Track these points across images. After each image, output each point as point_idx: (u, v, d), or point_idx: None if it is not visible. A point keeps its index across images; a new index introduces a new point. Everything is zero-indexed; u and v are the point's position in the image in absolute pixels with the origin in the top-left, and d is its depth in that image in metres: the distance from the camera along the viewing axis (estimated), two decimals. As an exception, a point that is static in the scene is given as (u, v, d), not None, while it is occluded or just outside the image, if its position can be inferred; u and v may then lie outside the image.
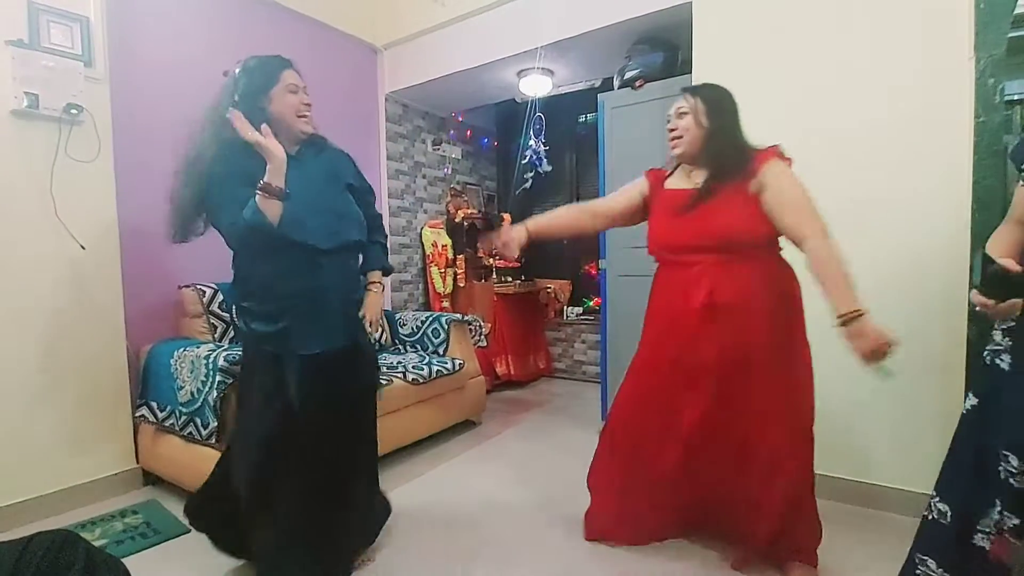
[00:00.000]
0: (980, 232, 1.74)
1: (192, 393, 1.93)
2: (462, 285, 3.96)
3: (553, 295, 4.26)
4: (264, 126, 1.33)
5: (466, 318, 3.09)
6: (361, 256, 1.64)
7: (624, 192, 1.76)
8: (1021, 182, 1.20)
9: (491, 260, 4.21)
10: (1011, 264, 1.08)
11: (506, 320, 3.92)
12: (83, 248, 2.03)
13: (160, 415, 2.09)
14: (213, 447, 1.88)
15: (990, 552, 1.15)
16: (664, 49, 2.68)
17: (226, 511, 1.50)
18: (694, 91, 1.58)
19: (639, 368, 1.70)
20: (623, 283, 2.72)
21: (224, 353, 1.85)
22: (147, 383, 2.19)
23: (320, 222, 1.42)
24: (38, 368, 1.95)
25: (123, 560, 0.99)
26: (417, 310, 3.83)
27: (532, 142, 4.12)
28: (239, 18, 2.74)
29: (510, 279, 4.19)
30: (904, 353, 1.86)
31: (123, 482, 2.17)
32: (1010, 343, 1.17)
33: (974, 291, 1.14)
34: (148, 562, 1.68)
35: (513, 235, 1.67)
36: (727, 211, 1.47)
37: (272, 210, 1.32)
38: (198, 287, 2.32)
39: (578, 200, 4.40)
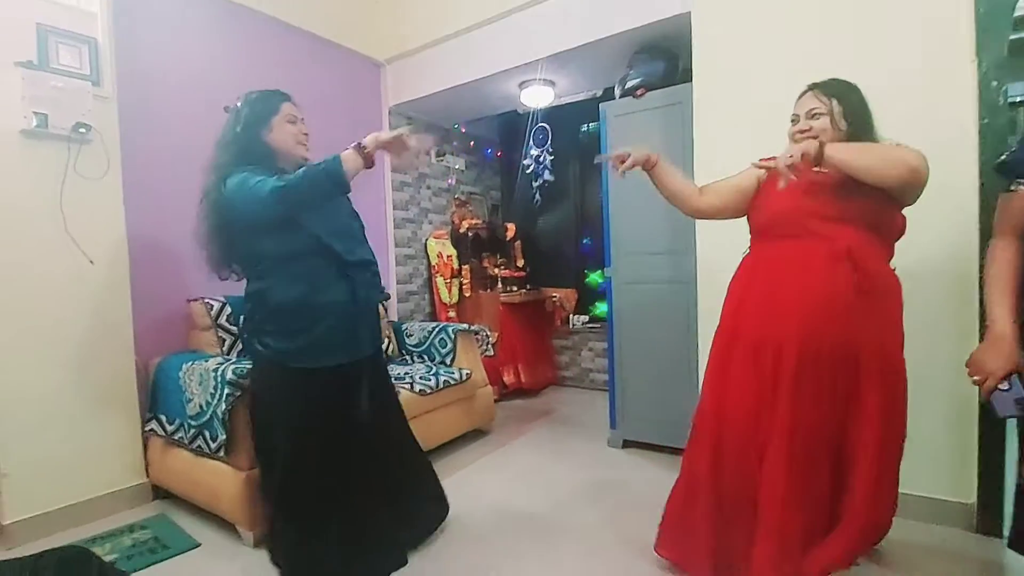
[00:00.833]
0: (987, 234, 1.73)
1: (201, 406, 1.93)
2: (468, 295, 3.97)
3: (559, 303, 4.26)
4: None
5: (473, 328, 3.09)
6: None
7: (739, 175, 1.64)
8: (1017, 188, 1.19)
9: (496, 270, 4.22)
10: None
11: (513, 329, 3.92)
12: (92, 263, 2.05)
13: (169, 428, 2.10)
14: (222, 460, 1.88)
15: None
16: (665, 58, 2.70)
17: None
18: (827, 90, 1.48)
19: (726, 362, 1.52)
20: (629, 291, 2.72)
21: (232, 366, 1.86)
22: (156, 396, 2.20)
23: (344, 239, 1.58)
24: (48, 382, 1.97)
25: (134, 574, 1.00)
26: (423, 320, 3.83)
27: (534, 152, 4.14)
28: (244, 36, 2.78)
29: (515, 288, 4.19)
30: (916, 356, 1.86)
31: (132, 497, 2.18)
32: None
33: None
34: (158, 577, 1.68)
35: (643, 151, 1.60)
36: (859, 191, 1.35)
37: (353, 166, 1.43)
38: (206, 300, 2.33)
39: (582, 209, 4.44)
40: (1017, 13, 1.68)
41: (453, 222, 4.10)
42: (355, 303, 1.57)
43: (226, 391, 1.82)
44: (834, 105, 1.46)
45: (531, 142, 4.15)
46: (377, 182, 3.60)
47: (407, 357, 3.16)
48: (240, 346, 2.33)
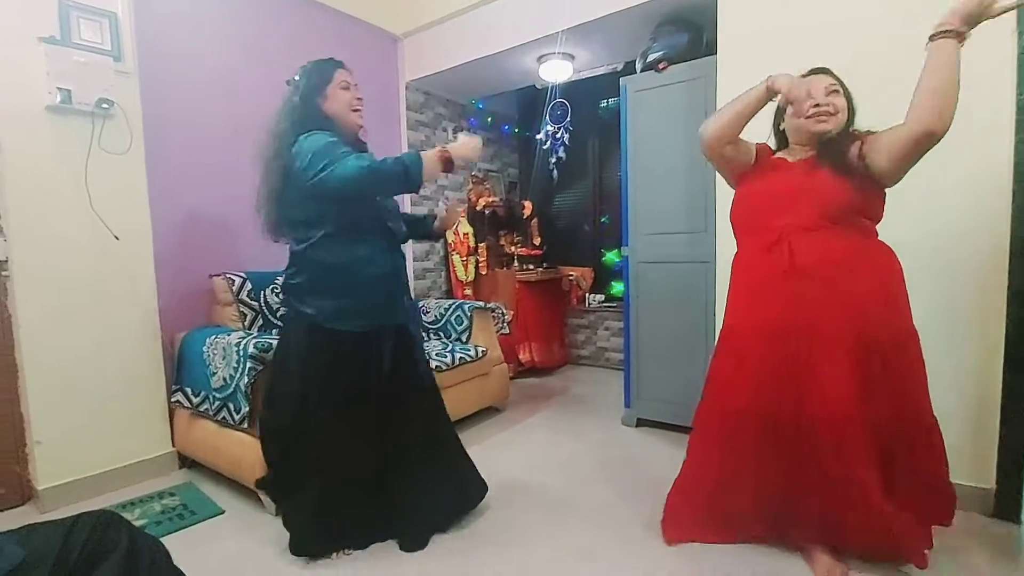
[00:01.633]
0: (1021, 214, 1.68)
1: (224, 379, 1.98)
2: (484, 273, 3.97)
3: (575, 282, 4.24)
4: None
5: (488, 305, 3.11)
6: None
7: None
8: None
9: (513, 248, 4.21)
10: None
11: (529, 307, 3.92)
12: (117, 239, 2.09)
13: (195, 400, 2.16)
14: (245, 431, 1.94)
15: None
16: (689, 30, 2.62)
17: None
18: (831, 72, 1.58)
19: (730, 346, 1.59)
20: (646, 270, 2.70)
21: (254, 340, 1.90)
22: (181, 369, 2.26)
23: (394, 218, 1.72)
24: (79, 355, 2.03)
25: (163, 538, 1.04)
26: (440, 298, 3.86)
27: (549, 128, 4.08)
28: (260, 9, 2.76)
29: (532, 266, 4.18)
30: (936, 338, 1.83)
31: (160, 465, 2.26)
32: None
33: None
34: (186, 542, 1.74)
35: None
36: (833, 182, 1.44)
37: (433, 172, 1.53)
38: (228, 276, 2.37)
39: (600, 187, 4.38)
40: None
41: (470, 199, 4.08)
42: (396, 275, 1.70)
43: (248, 365, 1.86)
44: (843, 87, 1.54)
45: (547, 118, 4.09)
46: (394, 159, 3.58)
47: (423, 334, 3.19)
48: (261, 321, 2.37)
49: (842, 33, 1.95)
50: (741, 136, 1.59)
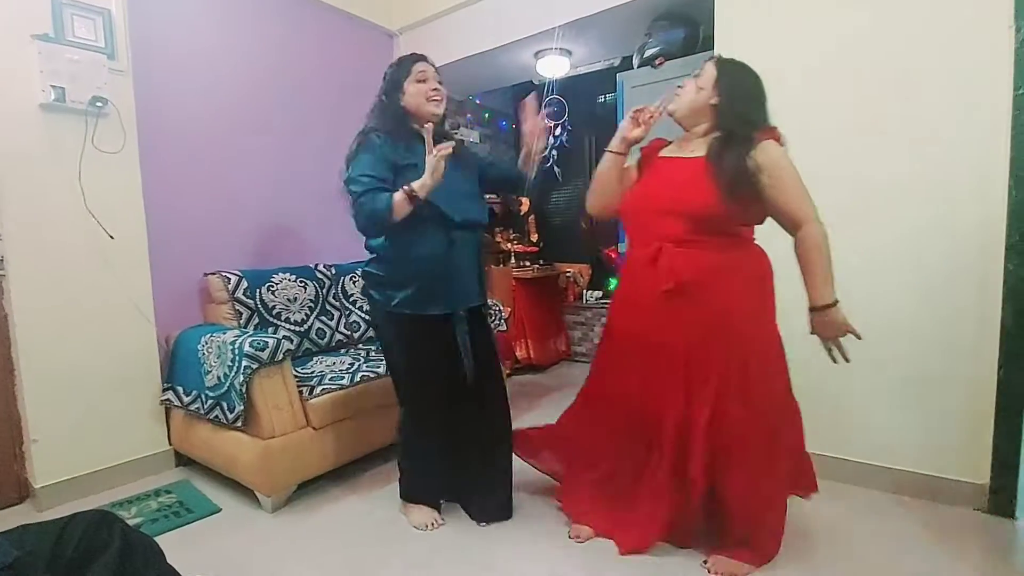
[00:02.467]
0: (1017, 209, 1.68)
1: (219, 378, 1.98)
2: (481, 270, 3.97)
3: (572, 279, 4.24)
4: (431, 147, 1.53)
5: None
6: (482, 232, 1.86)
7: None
8: None
9: (509, 245, 4.21)
10: None
11: (525, 304, 3.92)
12: (112, 237, 2.08)
13: (185, 399, 2.15)
14: (240, 430, 1.94)
15: None
16: (685, 25, 2.61)
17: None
18: (718, 61, 1.54)
19: (609, 347, 1.67)
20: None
21: (250, 339, 1.90)
22: (174, 368, 2.25)
23: (453, 201, 1.65)
24: (74, 354, 2.03)
25: (158, 537, 1.04)
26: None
27: (548, 124, 4.06)
28: (255, 7, 2.75)
29: (529, 263, 4.18)
30: (932, 334, 1.83)
31: (156, 463, 2.26)
32: None
33: None
34: (182, 540, 1.75)
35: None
36: (702, 190, 1.42)
37: (402, 212, 1.53)
38: (223, 274, 2.36)
39: (597, 183, 4.37)
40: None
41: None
42: (451, 260, 1.68)
43: (243, 363, 1.86)
44: (714, 73, 1.49)
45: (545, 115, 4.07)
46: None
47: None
48: (256, 319, 2.37)
49: (841, 29, 1.94)
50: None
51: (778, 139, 1.46)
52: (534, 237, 4.42)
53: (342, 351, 2.56)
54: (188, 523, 1.85)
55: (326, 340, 2.57)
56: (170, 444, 2.30)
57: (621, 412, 1.58)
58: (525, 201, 4.38)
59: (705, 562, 1.52)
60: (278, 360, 1.93)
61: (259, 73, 2.69)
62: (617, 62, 3.50)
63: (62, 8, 1.96)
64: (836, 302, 1.38)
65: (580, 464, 1.75)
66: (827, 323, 1.39)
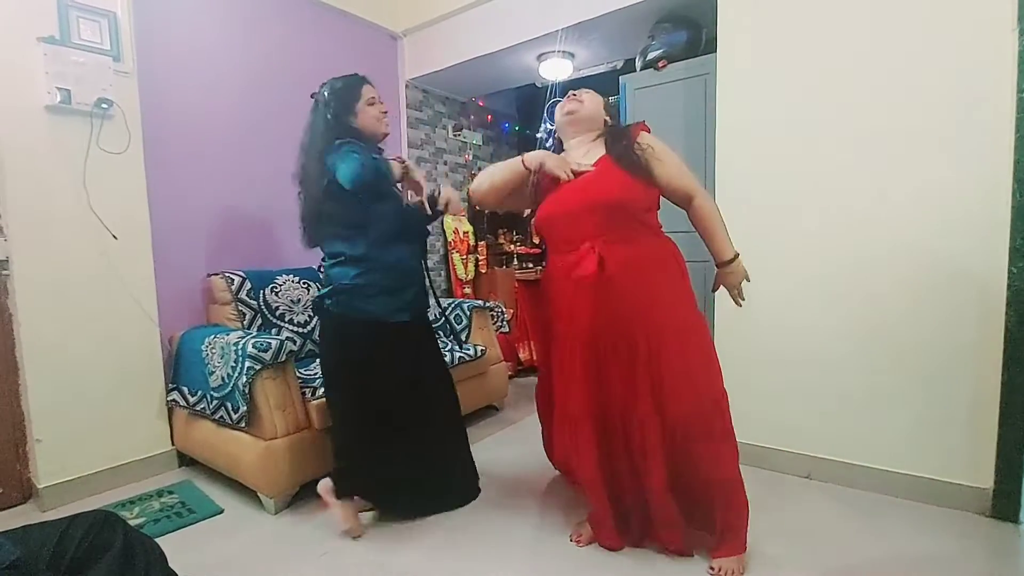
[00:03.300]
0: (1021, 212, 1.67)
1: (223, 378, 1.98)
2: (484, 271, 3.97)
3: (575, 281, 4.24)
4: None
5: (488, 304, 3.11)
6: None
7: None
8: None
9: (512, 247, 4.21)
10: None
11: (528, 306, 3.92)
12: (116, 238, 2.09)
13: (191, 399, 2.17)
14: (243, 431, 1.94)
15: None
16: (688, 27, 2.61)
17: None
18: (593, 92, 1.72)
19: (555, 349, 1.68)
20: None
21: (253, 340, 1.90)
22: (178, 368, 2.26)
23: (414, 215, 1.84)
24: (78, 355, 2.04)
25: (161, 537, 1.05)
26: (439, 296, 3.85)
27: (549, 126, 4.06)
28: (259, 9, 2.76)
29: (531, 265, 4.18)
30: (936, 340, 1.83)
31: (159, 463, 2.27)
32: None
33: None
34: (184, 541, 1.75)
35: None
36: (609, 181, 1.52)
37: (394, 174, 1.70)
38: (226, 275, 2.37)
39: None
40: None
41: (470, 198, 4.08)
42: (420, 271, 1.90)
43: (247, 364, 1.86)
44: (601, 99, 1.72)
45: (547, 116, 4.08)
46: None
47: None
48: (260, 320, 2.38)
49: (845, 31, 1.94)
50: None
51: (648, 130, 1.61)
52: (537, 239, 4.42)
53: (344, 352, 2.56)
54: (190, 524, 1.85)
55: (329, 341, 2.57)
56: (173, 445, 2.31)
57: (596, 420, 1.57)
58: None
59: (712, 568, 1.52)
60: (281, 361, 1.93)
61: (263, 75, 2.70)
62: (620, 65, 3.50)
63: (68, 10, 1.97)
64: (737, 254, 1.53)
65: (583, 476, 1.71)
66: (734, 273, 1.55)
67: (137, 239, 2.19)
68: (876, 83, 1.89)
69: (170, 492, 2.09)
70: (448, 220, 3.90)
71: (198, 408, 2.13)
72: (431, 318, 2.05)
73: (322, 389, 2.07)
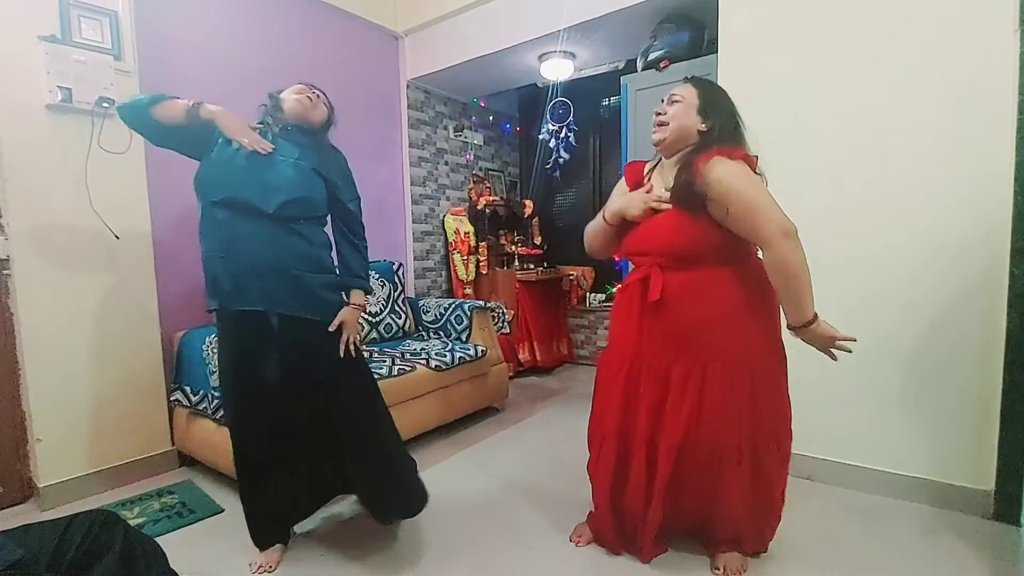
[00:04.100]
0: (1023, 213, 1.67)
1: (223, 378, 1.98)
2: (485, 272, 3.97)
3: (576, 282, 4.24)
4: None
5: (489, 305, 3.11)
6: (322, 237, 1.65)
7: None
8: None
9: (513, 247, 4.21)
10: None
11: (529, 307, 3.92)
12: (117, 238, 2.09)
13: (193, 399, 2.16)
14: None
15: None
16: (690, 28, 2.61)
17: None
18: (696, 83, 1.49)
19: (604, 356, 1.65)
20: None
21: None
22: (180, 368, 2.26)
23: (245, 189, 1.50)
24: (78, 354, 2.04)
25: (161, 536, 1.05)
26: (440, 297, 3.86)
27: (551, 127, 4.08)
28: (261, 8, 2.76)
29: (532, 266, 4.18)
30: (937, 341, 1.82)
31: (159, 463, 2.26)
32: None
33: None
34: (184, 540, 1.75)
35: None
36: (663, 224, 1.42)
37: (170, 111, 1.55)
38: (227, 275, 2.37)
39: (601, 186, 4.38)
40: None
41: (471, 198, 4.08)
42: (240, 252, 1.54)
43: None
44: (696, 96, 1.44)
45: (548, 116, 4.09)
46: (395, 158, 3.59)
47: (423, 333, 3.19)
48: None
49: (847, 31, 1.94)
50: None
51: (729, 155, 1.35)
52: (538, 240, 4.42)
53: (345, 352, 2.56)
54: (190, 524, 1.85)
55: (329, 341, 2.57)
56: (173, 445, 2.31)
57: (612, 427, 1.55)
58: (529, 204, 4.39)
59: (717, 569, 1.52)
60: (281, 361, 1.92)
61: (265, 75, 2.70)
62: (622, 65, 3.50)
63: (69, 9, 1.97)
64: (814, 319, 1.33)
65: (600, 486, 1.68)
66: (812, 339, 1.37)
67: (138, 239, 2.19)
68: (878, 84, 1.89)
69: (170, 492, 2.08)
70: (449, 220, 3.90)
71: (200, 407, 2.13)
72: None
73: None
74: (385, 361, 2.45)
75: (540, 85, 3.89)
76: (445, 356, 2.64)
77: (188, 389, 2.20)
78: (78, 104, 1.96)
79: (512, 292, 3.86)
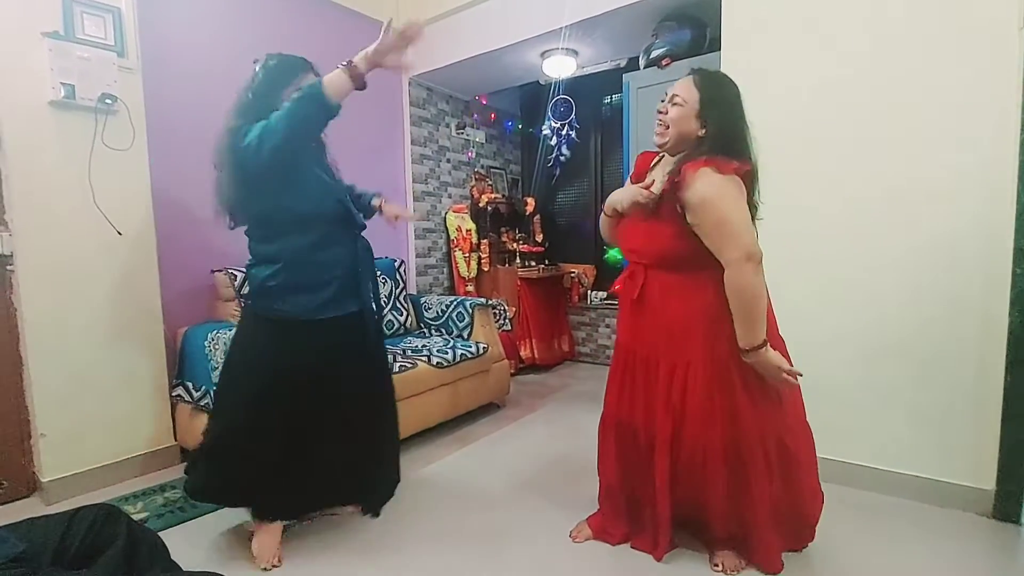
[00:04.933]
0: (1025, 214, 1.67)
1: (225, 375, 1.99)
2: (486, 269, 3.98)
3: (577, 279, 4.24)
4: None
5: (490, 302, 3.11)
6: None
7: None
8: None
9: (514, 245, 4.21)
10: None
11: (530, 304, 3.92)
12: (120, 234, 2.10)
13: (195, 395, 2.17)
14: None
15: None
16: (692, 26, 2.61)
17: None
18: (701, 81, 1.41)
19: (612, 360, 1.71)
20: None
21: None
22: (183, 364, 2.27)
23: (340, 203, 1.60)
24: (82, 350, 2.04)
25: (164, 532, 1.06)
26: (442, 294, 3.86)
27: (553, 124, 4.07)
28: (263, 5, 2.77)
29: (534, 263, 4.18)
30: (938, 340, 1.82)
31: (162, 458, 2.27)
32: None
33: None
34: (187, 535, 1.76)
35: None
36: (658, 225, 1.43)
37: (338, 87, 1.36)
38: (230, 271, 2.38)
39: (602, 184, 4.38)
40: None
41: (472, 196, 4.08)
42: (355, 262, 1.64)
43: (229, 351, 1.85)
44: (698, 98, 1.39)
45: (550, 114, 4.08)
46: (397, 155, 3.60)
47: (425, 330, 3.19)
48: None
49: (849, 30, 1.93)
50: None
51: (716, 165, 1.32)
52: (539, 237, 4.42)
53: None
54: (193, 518, 1.86)
55: (331, 338, 2.58)
56: (176, 440, 2.32)
57: (620, 424, 1.60)
58: (531, 201, 4.39)
59: (716, 566, 1.52)
60: (283, 357, 1.93)
61: (267, 72, 2.70)
62: (623, 63, 3.49)
63: (72, 6, 1.98)
64: (763, 344, 1.33)
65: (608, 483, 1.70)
66: (758, 364, 1.35)
67: (141, 235, 2.19)
68: (880, 84, 1.89)
69: (173, 487, 2.09)
70: (451, 218, 3.90)
71: (202, 403, 2.14)
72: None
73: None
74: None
75: (542, 83, 3.88)
76: (447, 353, 2.64)
77: (191, 385, 2.21)
78: (81, 101, 1.96)
79: (514, 289, 3.87)
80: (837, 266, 1.97)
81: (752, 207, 1.41)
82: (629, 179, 1.68)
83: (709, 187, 1.31)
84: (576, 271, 4.25)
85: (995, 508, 1.76)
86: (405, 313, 3.16)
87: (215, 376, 2.05)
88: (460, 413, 2.78)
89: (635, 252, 1.53)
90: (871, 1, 1.88)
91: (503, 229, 4.30)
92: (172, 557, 1.07)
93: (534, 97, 4.49)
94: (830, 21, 1.96)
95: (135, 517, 1.81)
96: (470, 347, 2.80)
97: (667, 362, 1.47)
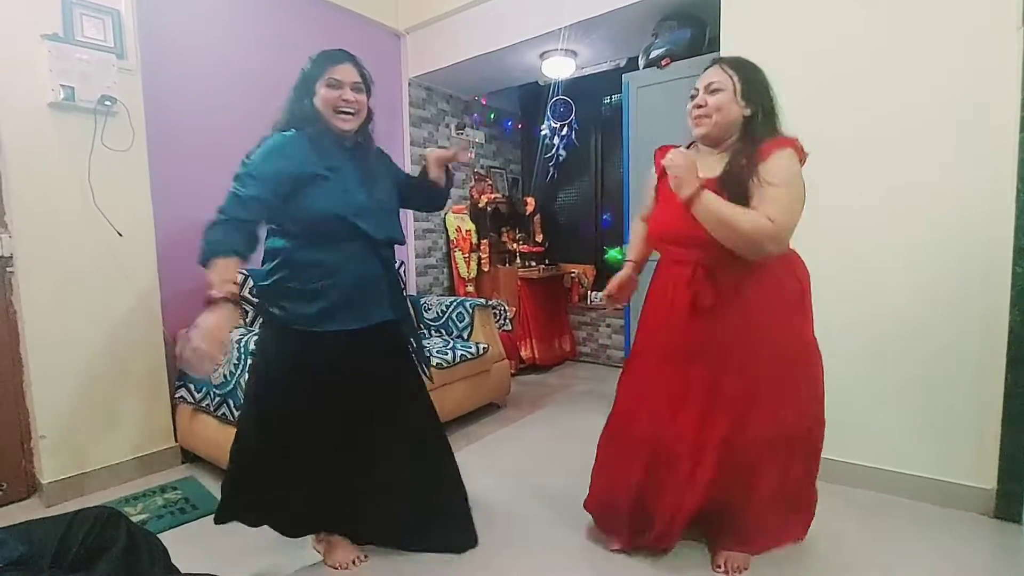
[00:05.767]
0: (1025, 213, 1.67)
1: (225, 376, 1.99)
2: (486, 270, 3.98)
3: (577, 280, 4.24)
4: None
5: (490, 302, 3.11)
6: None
7: (648, 195, 1.67)
8: None
9: (515, 245, 4.21)
10: None
11: (530, 304, 3.92)
12: (120, 235, 2.10)
13: (196, 396, 2.17)
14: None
15: None
16: (692, 25, 2.60)
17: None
18: (732, 64, 1.40)
19: (635, 360, 1.63)
20: (647, 269, 2.68)
21: (255, 337, 1.91)
22: (183, 366, 2.27)
23: (376, 216, 1.49)
24: (82, 351, 2.05)
25: (163, 534, 1.06)
26: (442, 295, 3.86)
27: (553, 124, 4.07)
28: (263, 7, 2.76)
29: (534, 264, 4.18)
30: (939, 340, 1.82)
31: (163, 460, 2.27)
32: None
33: None
34: (187, 537, 1.76)
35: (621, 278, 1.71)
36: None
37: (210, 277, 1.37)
38: (229, 273, 2.37)
39: (602, 184, 4.37)
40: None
41: (472, 196, 4.08)
42: (378, 279, 1.55)
43: (249, 362, 1.87)
44: (735, 81, 1.37)
45: (549, 114, 4.08)
46: (396, 155, 3.59)
47: (425, 331, 3.19)
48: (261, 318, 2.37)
49: (850, 29, 1.93)
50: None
51: (796, 148, 1.34)
52: (539, 237, 4.42)
53: (347, 350, 2.57)
54: (194, 520, 1.86)
55: (331, 339, 2.57)
56: (176, 441, 2.32)
57: (648, 427, 1.52)
58: (531, 201, 4.38)
59: (719, 567, 1.52)
60: (283, 359, 1.93)
61: (267, 72, 2.70)
62: (623, 63, 3.50)
63: (72, 8, 1.98)
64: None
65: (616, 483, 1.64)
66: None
67: (141, 236, 2.19)
68: (881, 84, 1.88)
69: (173, 488, 2.09)
70: (451, 218, 3.90)
71: (203, 405, 2.14)
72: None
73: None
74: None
75: (541, 83, 3.89)
76: (447, 354, 2.64)
77: (192, 386, 2.21)
78: (81, 102, 1.96)
79: (514, 289, 3.87)
80: (837, 266, 1.97)
81: None
82: (651, 173, 1.60)
83: (784, 158, 1.32)
84: (576, 271, 4.25)
85: (996, 507, 1.76)
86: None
87: (214, 378, 2.04)
88: (461, 414, 2.78)
89: (688, 244, 1.40)
90: (870, 3, 1.88)
91: (503, 229, 4.30)
92: (172, 559, 1.07)
93: (534, 97, 4.48)
94: (828, 24, 1.96)
95: (135, 519, 1.81)
96: (470, 347, 2.80)
97: (736, 366, 1.39)
